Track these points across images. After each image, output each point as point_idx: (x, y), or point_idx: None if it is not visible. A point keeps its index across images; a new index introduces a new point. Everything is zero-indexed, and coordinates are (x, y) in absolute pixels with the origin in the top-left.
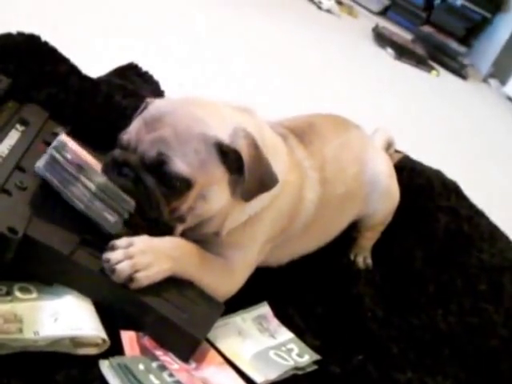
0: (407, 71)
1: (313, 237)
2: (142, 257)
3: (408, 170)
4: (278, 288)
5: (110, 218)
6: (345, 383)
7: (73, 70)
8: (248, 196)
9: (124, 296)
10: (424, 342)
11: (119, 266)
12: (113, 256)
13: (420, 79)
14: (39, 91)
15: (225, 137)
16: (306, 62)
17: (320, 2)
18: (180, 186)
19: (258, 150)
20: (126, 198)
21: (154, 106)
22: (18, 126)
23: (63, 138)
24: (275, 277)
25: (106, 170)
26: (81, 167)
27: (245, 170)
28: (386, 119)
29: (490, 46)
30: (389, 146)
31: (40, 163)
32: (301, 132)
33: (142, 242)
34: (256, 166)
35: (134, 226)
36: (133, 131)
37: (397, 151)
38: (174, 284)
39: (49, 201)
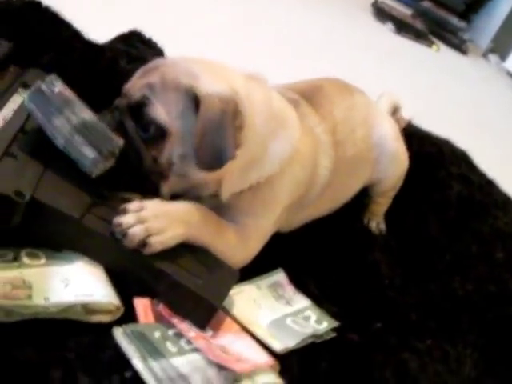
0: (407, 46)
1: (326, 201)
2: (155, 221)
3: (417, 138)
4: (291, 255)
5: (88, 154)
6: (364, 351)
7: (76, 35)
8: (200, 164)
9: (137, 262)
10: (443, 310)
11: (131, 231)
12: (124, 220)
13: (420, 53)
14: (41, 56)
15: (204, 92)
16: (306, 36)
17: None
18: (155, 132)
19: (224, 117)
20: (111, 136)
21: (156, 59)
22: (20, 90)
23: (54, 76)
24: (288, 243)
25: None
26: (67, 101)
27: (196, 129)
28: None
29: (490, 22)
30: (395, 111)
31: (26, 94)
32: (310, 95)
33: (154, 205)
34: (213, 131)
35: (119, 182)
36: (131, 80)
37: None
38: (187, 250)
39: (56, 163)
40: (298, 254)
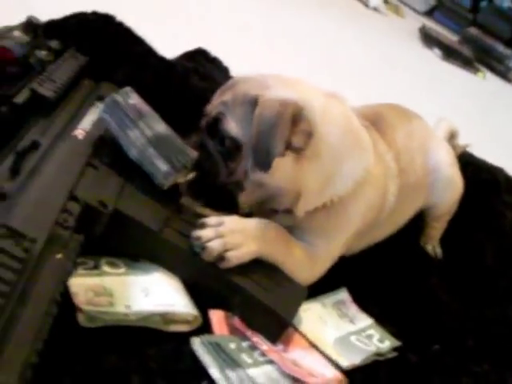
0: (454, 72)
1: (387, 226)
2: (232, 236)
3: (472, 165)
4: (352, 275)
5: (161, 167)
6: (423, 371)
7: (149, 51)
8: (255, 163)
9: (212, 275)
10: (499, 336)
11: (210, 244)
12: (204, 233)
13: (467, 80)
14: (115, 71)
15: (265, 97)
16: (353, 61)
17: (367, 0)
18: (230, 145)
19: (279, 119)
20: (185, 149)
21: (234, 77)
22: (96, 103)
23: (129, 88)
24: (349, 264)
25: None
26: (142, 114)
27: (252, 129)
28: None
29: None
30: (452, 137)
31: (102, 105)
32: (373, 121)
33: (231, 221)
34: (265, 132)
35: (196, 192)
36: (211, 100)
37: None
38: (260, 266)
39: (133, 175)
40: (358, 275)
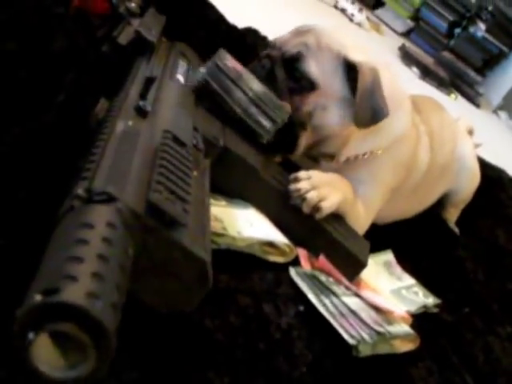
0: (430, 91)
1: (415, 201)
2: (324, 188)
3: (480, 162)
4: (382, 242)
5: (265, 124)
6: (456, 330)
7: (221, 18)
8: (358, 122)
9: (301, 218)
10: None
11: (309, 195)
12: (302, 185)
13: (440, 100)
14: (189, 34)
15: (356, 60)
16: None
17: (352, 15)
18: (305, 84)
19: (376, 83)
20: (281, 104)
21: (305, 24)
22: (180, 59)
23: (223, 50)
24: (382, 237)
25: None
26: (239, 74)
27: (357, 94)
28: None
29: (503, 80)
30: (469, 135)
31: (203, 69)
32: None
33: (317, 175)
34: (369, 95)
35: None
36: (282, 37)
37: None
38: (333, 215)
39: (231, 125)
40: (391, 247)
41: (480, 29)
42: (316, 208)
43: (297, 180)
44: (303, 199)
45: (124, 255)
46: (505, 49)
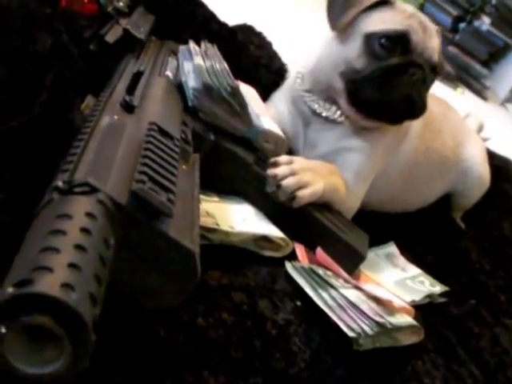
0: (436, 85)
1: (411, 191)
2: (304, 174)
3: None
4: (388, 235)
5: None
6: (463, 322)
7: (211, 15)
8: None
9: (295, 211)
10: None
11: (285, 182)
12: (279, 171)
13: (447, 94)
14: (179, 32)
15: None
16: None
17: None
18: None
19: None
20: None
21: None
22: (171, 54)
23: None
24: (385, 224)
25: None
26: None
27: None
28: None
29: (510, 72)
30: (479, 131)
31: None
32: None
33: (300, 160)
34: None
35: None
36: (417, 36)
37: None
38: (325, 206)
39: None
40: (398, 239)
41: (484, 22)
42: (292, 197)
43: (276, 165)
44: (278, 186)
45: (104, 246)
46: (510, 41)
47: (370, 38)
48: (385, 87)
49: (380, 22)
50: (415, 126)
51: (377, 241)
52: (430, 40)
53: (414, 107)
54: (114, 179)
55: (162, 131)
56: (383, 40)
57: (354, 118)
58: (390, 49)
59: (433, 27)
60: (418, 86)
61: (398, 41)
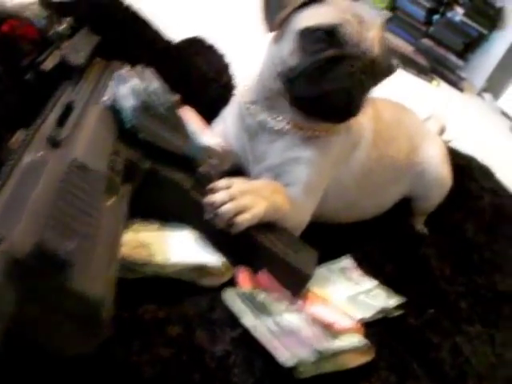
0: (410, 79)
1: (365, 196)
2: (243, 197)
3: (450, 152)
4: (346, 247)
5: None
6: (422, 333)
7: (156, 34)
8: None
9: (235, 235)
10: (487, 299)
11: (223, 209)
12: (217, 197)
13: (422, 88)
14: (125, 52)
15: None
16: None
17: None
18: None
19: None
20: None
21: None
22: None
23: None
24: (343, 236)
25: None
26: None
27: None
28: None
29: (485, 62)
30: (441, 133)
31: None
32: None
33: (240, 182)
34: None
35: None
36: (352, 28)
37: None
38: (269, 226)
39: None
40: (355, 248)
41: (458, 13)
42: (230, 224)
43: (213, 191)
44: (215, 214)
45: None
46: (484, 31)
47: (302, 34)
48: (320, 82)
49: (313, 17)
50: (366, 135)
51: (334, 253)
52: (368, 32)
53: (353, 101)
54: (23, 227)
55: (82, 168)
56: (315, 34)
57: (300, 123)
58: (323, 43)
59: (371, 20)
60: (355, 80)
61: (331, 34)
